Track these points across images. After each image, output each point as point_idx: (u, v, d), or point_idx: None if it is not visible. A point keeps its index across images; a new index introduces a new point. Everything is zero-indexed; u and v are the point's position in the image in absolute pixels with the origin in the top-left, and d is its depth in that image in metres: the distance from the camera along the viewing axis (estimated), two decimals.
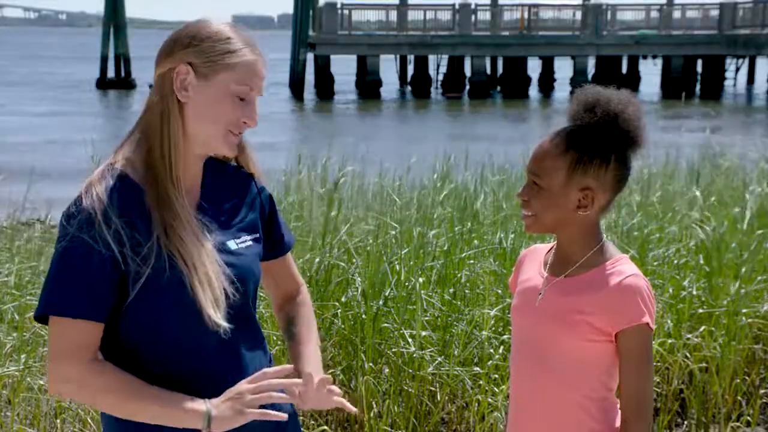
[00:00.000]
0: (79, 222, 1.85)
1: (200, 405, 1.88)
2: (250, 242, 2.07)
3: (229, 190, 2.08)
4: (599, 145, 2.09)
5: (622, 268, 2.12)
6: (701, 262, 5.11)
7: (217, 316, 1.89)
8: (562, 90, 41.06)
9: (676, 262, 5.15)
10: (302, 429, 4.14)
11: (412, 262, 4.58)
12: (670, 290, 4.81)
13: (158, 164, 1.92)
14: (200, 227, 1.95)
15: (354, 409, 2.06)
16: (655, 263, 4.94)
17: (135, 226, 1.88)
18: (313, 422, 4.15)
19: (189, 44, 1.94)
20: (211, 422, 1.87)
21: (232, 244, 2.01)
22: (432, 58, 42.57)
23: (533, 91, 41.93)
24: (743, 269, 4.95)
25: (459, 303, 4.48)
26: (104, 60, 39.36)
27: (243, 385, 1.91)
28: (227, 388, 1.92)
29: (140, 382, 1.89)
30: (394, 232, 4.89)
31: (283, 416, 1.92)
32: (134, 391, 1.87)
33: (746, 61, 43.58)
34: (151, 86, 2.02)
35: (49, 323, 1.89)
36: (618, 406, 2.18)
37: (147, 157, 1.93)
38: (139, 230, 1.88)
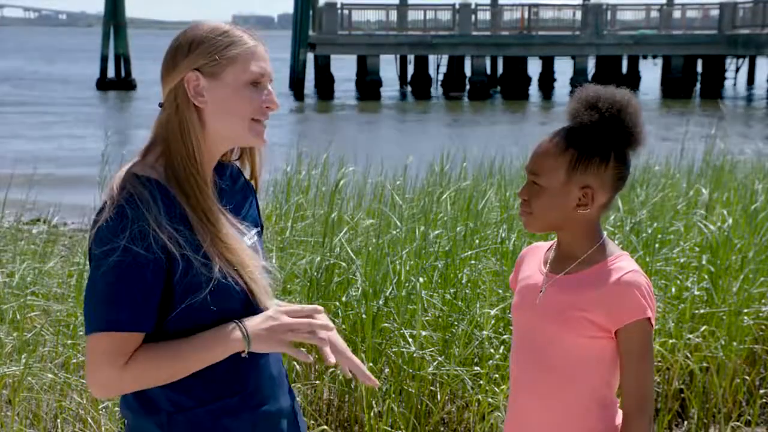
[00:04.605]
0: (131, 234, 1.84)
1: (237, 333, 1.93)
2: (256, 236, 2.11)
3: (230, 186, 2.10)
4: (599, 143, 2.09)
5: (622, 264, 2.12)
6: (704, 262, 5.10)
7: (270, 302, 1.99)
8: (562, 90, 41.05)
9: (682, 260, 5.14)
10: None
11: (412, 262, 4.58)
12: (673, 290, 4.80)
13: (191, 174, 1.93)
14: (235, 228, 2.00)
15: (376, 383, 2.14)
16: (658, 264, 4.94)
17: (182, 231, 1.90)
18: (313, 422, 4.15)
19: (189, 50, 1.95)
20: (250, 343, 1.93)
21: (246, 240, 2.05)
22: (432, 58, 42.57)
23: (533, 91, 41.93)
24: (747, 269, 4.94)
25: (460, 303, 4.48)
26: (104, 60, 39.33)
27: (284, 318, 1.96)
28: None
29: (169, 347, 1.91)
30: (395, 232, 4.89)
31: (309, 359, 1.97)
32: (171, 358, 1.90)
33: (746, 61, 43.59)
34: (161, 105, 1.99)
35: (100, 336, 1.87)
36: (618, 404, 2.19)
37: (176, 167, 1.94)
38: (187, 235, 1.90)
